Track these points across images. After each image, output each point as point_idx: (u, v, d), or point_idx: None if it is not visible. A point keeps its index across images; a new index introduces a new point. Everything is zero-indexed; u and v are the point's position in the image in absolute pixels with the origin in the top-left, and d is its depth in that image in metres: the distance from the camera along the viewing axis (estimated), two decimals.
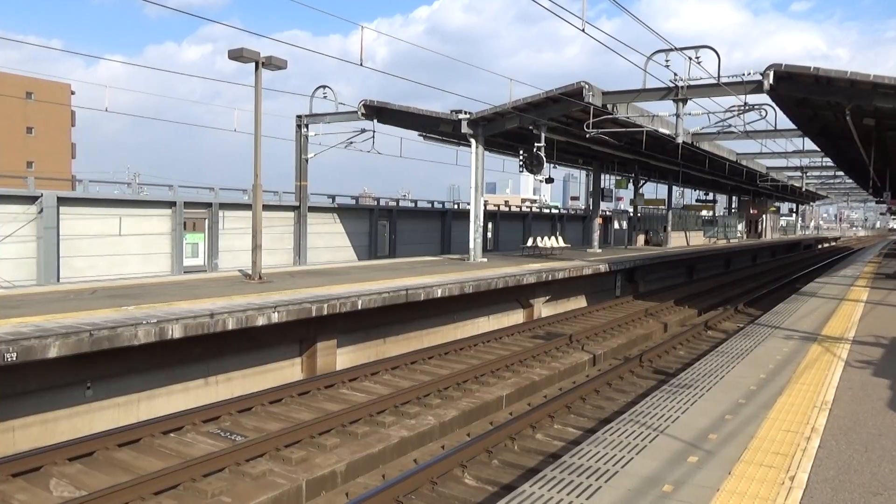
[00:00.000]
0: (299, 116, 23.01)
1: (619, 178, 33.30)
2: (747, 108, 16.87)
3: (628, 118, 18.42)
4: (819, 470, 4.89)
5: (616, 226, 39.90)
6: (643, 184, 35.26)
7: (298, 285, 13.22)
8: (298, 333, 11.71)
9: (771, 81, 14.70)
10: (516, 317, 17.98)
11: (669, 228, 36.42)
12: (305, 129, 22.88)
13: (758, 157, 31.54)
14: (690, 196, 48.82)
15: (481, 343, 14.15)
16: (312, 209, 23.86)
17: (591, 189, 32.87)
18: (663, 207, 37.37)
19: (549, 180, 25.56)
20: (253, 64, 13.41)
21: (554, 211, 45.58)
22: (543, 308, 18.75)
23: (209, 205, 20.83)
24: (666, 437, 5.52)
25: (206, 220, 20.72)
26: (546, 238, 25.22)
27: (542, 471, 4.86)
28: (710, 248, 37.89)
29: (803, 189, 45.56)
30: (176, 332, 8.99)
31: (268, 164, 16.14)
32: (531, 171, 20.18)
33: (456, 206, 32.59)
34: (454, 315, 15.69)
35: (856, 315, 12.42)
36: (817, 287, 17.87)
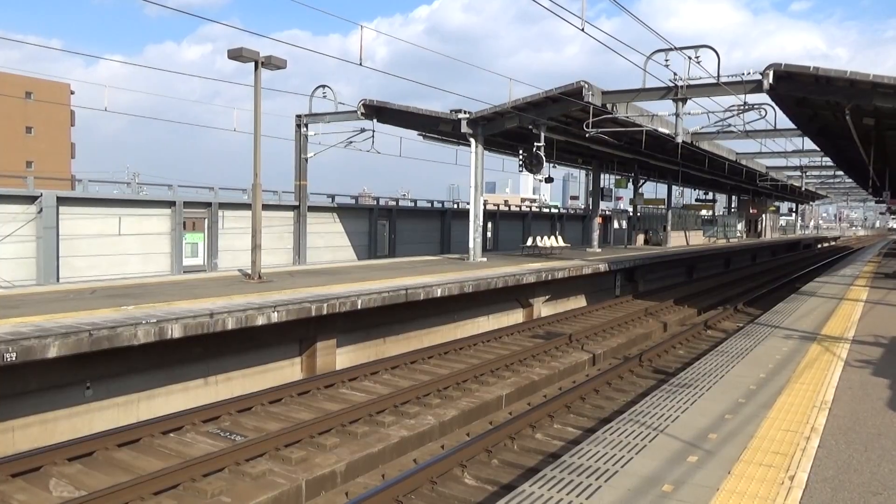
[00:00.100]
0: (299, 116, 23.00)
1: (618, 177, 33.29)
2: (747, 107, 16.87)
3: (628, 118, 18.42)
4: (819, 469, 4.89)
5: (616, 225, 39.95)
6: (643, 183, 35.27)
7: (298, 285, 13.21)
8: (298, 333, 11.71)
9: (770, 81, 14.70)
10: (516, 316, 17.98)
11: (669, 228, 36.43)
12: (305, 129, 22.87)
13: (757, 156, 31.55)
14: (690, 195, 48.86)
15: (481, 343, 14.15)
16: (312, 209, 23.86)
17: (590, 188, 32.88)
18: (663, 207, 37.37)
19: (549, 180, 25.60)
20: (252, 63, 13.41)
21: (553, 210, 45.58)
22: (543, 307, 18.75)
23: (209, 204, 20.82)
24: (666, 437, 5.52)
25: (206, 220, 20.71)
26: (546, 237, 25.22)
27: (542, 470, 4.86)
28: (710, 247, 37.90)
29: (803, 188, 45.58)
30: (175, 331, 8.99)
31: (267, 163, 16.15)
32: (531, 171, 20.18)
33: (455, 206, 32.59)
34: (454, 314, 15.68)
35: (855, 314, 12.43)
36: (817, 286, 17.88)
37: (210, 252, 20.67)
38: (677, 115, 17.07)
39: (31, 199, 16.85)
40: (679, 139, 17.63)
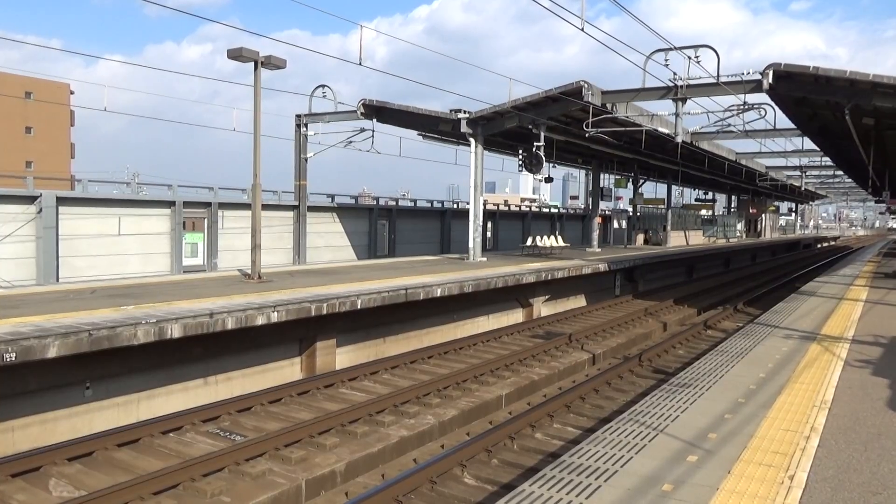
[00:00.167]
0: (298, 116, 23.00)
1: (618, 177, 33.29)
2: (746, 107, 16.87)
3: (628, 117, 18.42)
4: (818, 469, 4.89)
5: (615, 225, 39.94)
6: (642, 183, 35.27)
7: (298, 285, 13.21)
8: (298, 333, 11.71)
9: (770, 81, 14.70)
10: (516, 316, 17.98)
11: (669, 228, 36.44)
12: (305, 129, 22.87)
13: (757, 156, 31.56)
14: (690, 195, 48.88)
15: (481, 342, 14.15)
16: (312, 209, 23.86)
17: (590, 188, 32.87)
18: (663, 207, 37.38)
19: (549, 179, 25.61)
20: (252, 63, 13.41)
21: (553, 210, 45.58)
22: (543, 307, 18.75)
23: (208, 204, 20.82)
24: (665, 437, 5.52)
25: (206, 220, 20.71)
26: (545, 237, 25.22)
27: (542, 470, 4.86)
28: (710, 247, 37.91)
29: (802, 188, 45.58)
30: (175, 331, 8.99)
31: (267, 163, 16.14)
32: (530, 171, 20.19)
33: (455, 206, 32.58)
34: (454, 314, 15.68)
35: (855, 314, 12.43)
36: (817, 286, 17.88)
37: (210, 252, 20.67)
38: (677, 114, 17.08)
39: (30, 199, 16.85)
40: (679, 139, 17.63)
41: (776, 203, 64.53)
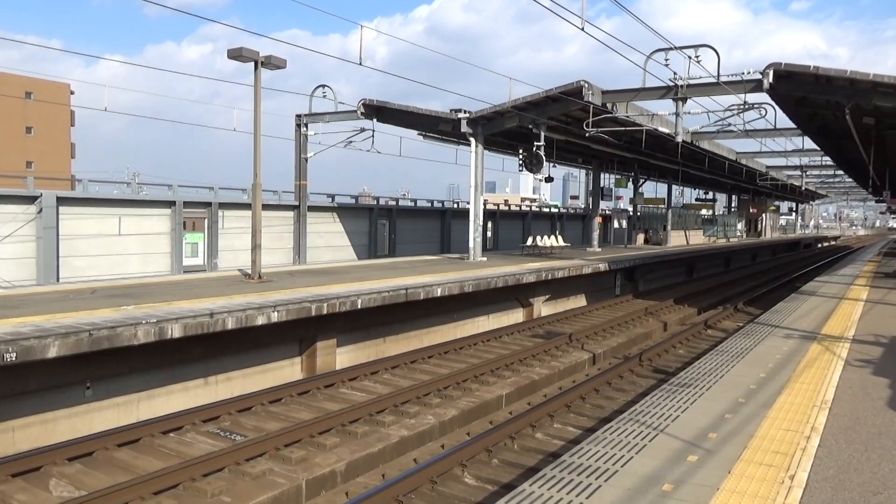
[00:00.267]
0: (299, 116, 22.99)
1: (618, 177, 33.29)
2: (747, 106, 16.87)
3: (628, 117, 18.41)
4: (819, 469, 4.88)
5: (616, 225, 39.94)
6: (643, 183, 35.26)
7: (298, 284, 13.21)
8: (298, 333, 11.70)
9: (770, 80, 14.69)
10: (516, 316, 17.98)
11: (669, 227, 36.43)
12: (305, 129, 22.86)
13: (757, 156, 31.55)
14: (690, 195, 48.85)
15: (481, 342, 14.14)
16: (312, 208, 23.85)
17: (590, 188, 32.87)
18: (663, 206, 37.37)
19: (549, 179, 25.61)
20: (252, 63, 13.40)
21: (553, 210, 45.58)
22: (543, 307, 18.75)
23: (209, 204, 20.82)
24: (666, 437, 5.52)
25: (206, 220, 20.71)
26: (546, 237, 25.23)
27: (542, 470, 4.86)
28: (710, 246, 37.90)
29: (803, 188, 45.55)
30: (175, 331, 8.99)
31: (267, 163, 16.14)
32: (531, 170, 20.18)
33: (455, 206, 32.58)
34: (454, 314, 15.68)
35: (855, 314, 12.43)
36: (817, 286, 17.88)
37: (210, 252, 20.67)
38: (677, 114, 17.07)
39: (31, 200, 16.85)
40: (679, 138, 17.63)
41: (776, 203, 64.51)
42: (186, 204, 20.20)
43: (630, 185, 34.19)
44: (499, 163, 41.61)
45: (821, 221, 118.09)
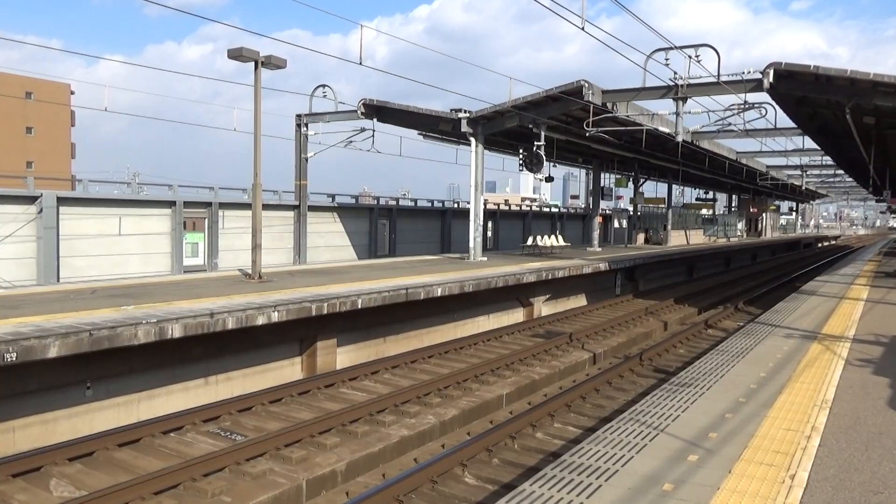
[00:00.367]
0: (299, 115, 22.99)
1: (618, 176, 33.27)
2: (747, 106, 16.87)
3: (628, 117, 18.41)
4: (819, 468, 4.88)
5: (616, 224, 39.88)
6: (643, 182, 35.25)
7: (298, 284, 13.21)
8: (298, 333, 11.70)
9: (771, 80, 14.69)
10: (516, 315, 17.97)
11: (669, 227, 36.42)
12: (305, 129, 22.86)
13: (758, 155, 31.53)
14: (690, 195, 48.80)
15: (481, 342, 14.14)
16: (312, 208, 23.85)
17: (590, 188, 32.86)
18: (663, 206, 37.36)
19: (549, 179, 25.59)
20: (252, 63, 13.40)
21: (554, 210, 45.57)
22: (543, 307, 18.75)
23: (209, 204, 20.82)
24: (666, 436, 5.52)
25: (206, 220, 20.71)
26: (546, 237, 25.22)
27: (543, 469, 4.86)
28: (710, 246, 37.89)
29: (803, 187, 45.55)
30: (176, 331, 8.99)
31: (268, 163, 16.14)
32: (531, 170, 20.18)
33: (456, 205, 32.58)
34: (454, 314, 15.68)
35: (856, 313, 12.42)
36: (817, 285, 17.87)
37: (210, 252, 20.67)
38: (677, 114, 17.07)
39: (31, 200, 16.85)
40: (679, 138, 17.63)
41: (777, 202, 64.48)
42: (187, 204, 20.20)
43: (630, 184, 34.18)
44: (499, 162, 41.62)
45: (821, 221, 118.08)
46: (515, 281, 16.42)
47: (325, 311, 11.23)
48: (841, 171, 37.60)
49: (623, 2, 10.88)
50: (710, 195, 49.45)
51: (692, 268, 31.56)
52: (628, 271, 23.72)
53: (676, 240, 37.76)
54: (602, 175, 31.00)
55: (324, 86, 22.33)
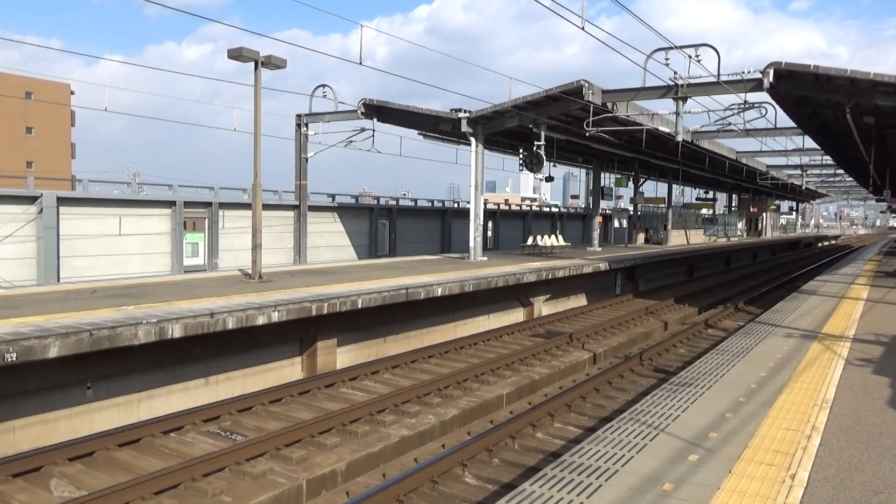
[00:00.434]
0: (299, 115, 22.99)
1: (619, 176, 33.27)
2: (747, 106, 16.87)
3: (628, 116, 18.41)
4: (820, 468, 4.88)
5: (616, 224, 39.87)
6: (643, 182, 35.25)
7: (298, 284, 13.21)
8: (298, 333, 11.70)
9: (771, 79, 14.69)
10: (516, 315, 17.97)
11: (669, 227, 36.40)
12: (305, 129, 22.86)
13: (758, 155, 31.52)
14: (690, 194, 48.78)
15: (481, 342, 14.14)
16: (312, 208, 23.85)
17: (590, 187, 32.85)
18: (663, 206, 37.34)
19: (549, 179, 25.58)
20: (252, 63, 13.40)
21: (554, 209, 45.57)
22: (544, 306, 18.74)
23: (209, 204, 20.82)
24: (666, 436, 5.52)
25: (206, 220, 20.71)
26: (546, 236, 25.22)
27: (543, 469, 4.86)
28: (711, 246, 37.88)
29: (803, 187, 45.53)
30: (176, 331, 8.99)
31: (268, 163, 16.14)
32: (531, 170, 20.18)
33: (456, 205, 32.58)
34: (454, 314, 15.68)
35: (856, 313, 12.42)
36: (817, 285, 17.87)
37: (210, 252, 20.67)
38: (678, 113, 17.07)
39: (31, 200, 16.85)
40: (679, 138, 17.62)
41: (777, 202, 64.46)
42: (187, 204, 20.20)
43: (630, 184, 34.17)
44: (499, 162, 41.63)
45: (821, 220, 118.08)
46: (515, 281, 16.42)
47: (325, 311, 11.23)
48: (841, 171, 37.59)
49: (623, 2, 10.87)
50: (710, 195, 49.45)
51: (692, 267, 31.55)
52: (628, 271, 23.72)
53: (676, 239, 37.75)
54: (602, 175, 30.99)
55: (324, 86, 22.35)
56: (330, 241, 25.01)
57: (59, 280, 16.84)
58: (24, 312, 9.18)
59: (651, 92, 17.04)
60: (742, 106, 16.92)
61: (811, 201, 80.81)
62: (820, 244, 73.32)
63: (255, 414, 9.16)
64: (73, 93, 53.80)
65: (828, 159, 30.99)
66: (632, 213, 37.61)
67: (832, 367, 8.01)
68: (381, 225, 27.41)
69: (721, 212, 53.31)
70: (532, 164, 19.78)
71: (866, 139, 19.71)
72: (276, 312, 10.37)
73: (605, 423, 7.22)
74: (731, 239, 47.49)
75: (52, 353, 7.70)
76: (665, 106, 18.46)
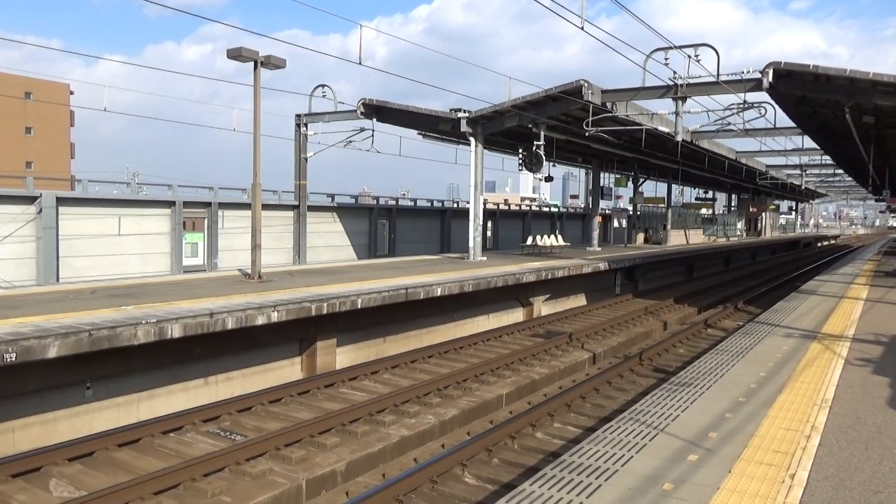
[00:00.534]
0: (298, 115, 22.99)
1: (618, 176, 33.28)
2: (747, 106, 16.87)
3: (628, 116, 18.41)
4: (819, 468, 4.88)
5: (615, 224, 39.93)
6: (643, 182, 35.25)
7: (298, 284, 13.21)
8: (298, 333, 11.70)
9: (770, 79, 14.69)
10: (516, 315, 17.98)
11: (669, 227, 36.42)
12: (305, 128, 22.86)
13: (757, 155, 31.53)
14: (690, 194, 48.83)
15: (481, 342, 14.14)
16: (312, 208, 23.85)
17: (590, 187, 32.85)
18: (663, 206, 37.36)
19: (549, 179, 25.62)
20: (252, 63, 13.40)
21: (553, 209, 45.57)
22: (543, 306, 18.75)
23: (208, 204, 20.81)
24: (666, 436, 5.52)
25: (206, 220, 20.70)
26: (545, 236, 25.22)
27: (542, 469, 4.86)
28: (710, 246, 37.88)
29: (803, 187, 45.57)
30: (175, 331, 8.99)
31: (267, 163, 16.13)
32: (530, 170, 20.19)
33: (455, 205, 32.57)
34: (454, 314, 15.68)
35: (855, 313, 12.42)
36: (817, 285, 17.87)
37: (210, 252, 20.67)
38: (677, 113, 17.07)
39: (30, 200, 16.85)
40: (679, 138, 17.63)
41: (776, 202, 64.48)
42: (186, 204, 20.20)
43: (630, 184, 34.18)
44: (499, 162, 41.62)
45: (821, 220, 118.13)
46: (515, 281, 16.42)
47: (324, 311, 11.23)
48: (840, 171, 37.63)
49: (623, 1, 10.88)
50: (710, 195, 49.47)
51: (692, 267, 31.56)
52: (628, 271, 23.73)
53: (676, 239, 37.76)
54: (602, 175, 31.00)
55: (323, 86, 22.34)
56: (329, 241, 25.01)
57: (58, 280, 16.83)
58: (23, 312, 9.17)
59: (650, 92, 17.05)
60: (741, 106, 16.93)
61: (810, 201, 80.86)
62: (819, 244, 73.33)
63: (255, 414, 9.16)
64: (72, 93, 53.81)
65: (827, 159, 31.01)
66: (631, 212, 37.62)
67: (832, 367, 8.01)
68: (381, 225, 27.41)
69: (720, 212, 53.34)
70: (531, 164, 19.79)
71: (865, 139, 19.72)
72: (276, 312, 10.37)
73: (604, 422, 7.23)
74: (731, 239, 47.51)
75: (52, 353, 7.70)
76: (664, 106, 18.45)
